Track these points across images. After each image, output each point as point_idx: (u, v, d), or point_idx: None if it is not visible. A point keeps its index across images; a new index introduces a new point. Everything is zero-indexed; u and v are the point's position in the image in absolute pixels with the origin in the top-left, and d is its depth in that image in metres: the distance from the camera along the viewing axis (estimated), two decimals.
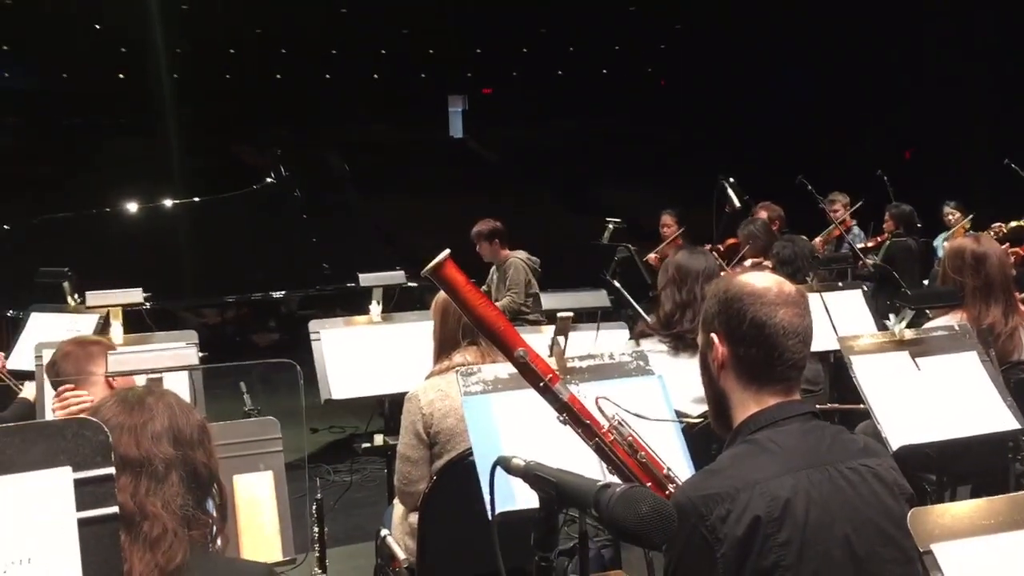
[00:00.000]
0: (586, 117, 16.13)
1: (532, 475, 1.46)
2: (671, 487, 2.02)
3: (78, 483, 1.04)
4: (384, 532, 3.22)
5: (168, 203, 8.19)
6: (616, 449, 2.04)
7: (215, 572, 1.74)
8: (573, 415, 2.01)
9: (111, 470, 1.06)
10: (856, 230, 8.25)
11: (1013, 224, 7.20)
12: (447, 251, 1.97)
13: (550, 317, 3.23)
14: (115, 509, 1.06)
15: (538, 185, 14.30)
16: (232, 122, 14.11)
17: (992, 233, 6.80)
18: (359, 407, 5.90)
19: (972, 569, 1.45)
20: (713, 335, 1.88)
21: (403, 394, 3.18)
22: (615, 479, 1.85)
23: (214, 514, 1.84)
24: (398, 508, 3.23)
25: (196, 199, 8.30)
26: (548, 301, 3.53)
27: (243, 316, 8.17)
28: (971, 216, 8.05)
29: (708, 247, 6.74)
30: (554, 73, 16.87)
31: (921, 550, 1.48)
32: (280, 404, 3.20)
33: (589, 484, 1.38)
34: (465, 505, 2.44)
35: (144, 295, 4.22)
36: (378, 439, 4.08)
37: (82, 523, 1.04)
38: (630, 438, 2.06)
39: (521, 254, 6.95)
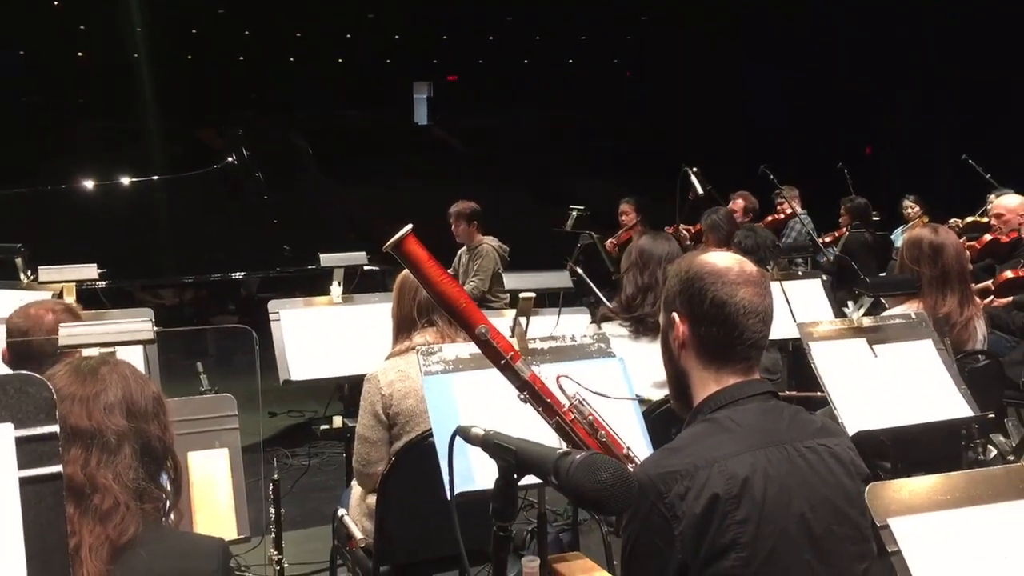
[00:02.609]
0: (552, 106, 16.11)
1: (491, 444, 1.44)
2: (631, 467, 2.02)
3: (20, 441, 1.00)
4: (341, 512, 3.20)
5: (126, 181, 8.03)
6: (576, 428, 2.04)
7: (168, 545, 1.71)
8: (534, 393, 2.00)
9: (55, 428, 1.02)
10: (804, 216, 8.32)
11: (969, 219, 7.31)
12: (409, 226, 1.96)
13: (513, 300, 3.22)
14: (59, 468, 1.02)
15: (503, 172, 14.26)
16: (194, 103, 13.90)
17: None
18: (318, 391, 5.86)
19: (927, 543, 1.46)
20: (674, 314, 1.87)
21: (364, 376, 3.14)
22: None
23: (168, 488, 1.80)
24: (356, 489, 3.21)
25: (155, 177, 8.15)
26: (510, 282, 3.51)
27: (201, 297, 8.06)
28: (927, 213, 8.21)
29: (672, 229, 6.79)
30: (520, 62, 16.83)
31: (878, 524, 1.49)
32: (238, 386, 3.15)
33: (549, 452, 1.37)
34: (424, 487, 2.42)
35: (99, 271, 4.13)
36: (337, 421, 4.03)
37: (24, 482, 1.00)
38: (590, 417, 2.06)
39: (492, 240, 6.91)
